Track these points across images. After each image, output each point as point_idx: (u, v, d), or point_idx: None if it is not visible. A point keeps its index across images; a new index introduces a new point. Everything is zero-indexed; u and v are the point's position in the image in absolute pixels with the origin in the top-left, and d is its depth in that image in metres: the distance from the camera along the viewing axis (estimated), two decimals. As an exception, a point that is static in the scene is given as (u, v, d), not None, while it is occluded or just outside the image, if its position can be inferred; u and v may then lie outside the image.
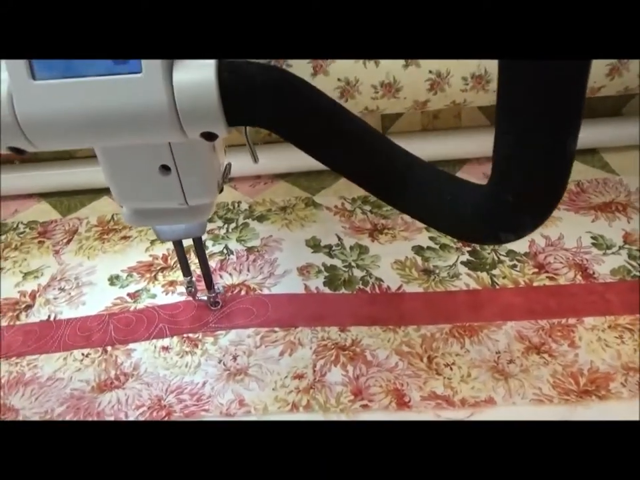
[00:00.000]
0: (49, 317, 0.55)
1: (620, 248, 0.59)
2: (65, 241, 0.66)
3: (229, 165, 0.43)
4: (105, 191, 0.74)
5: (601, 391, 0.44)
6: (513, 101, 0.25)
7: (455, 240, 0.61)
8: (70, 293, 0.58)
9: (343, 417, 0.43)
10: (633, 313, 0.51)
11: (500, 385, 0.45)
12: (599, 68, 0.61)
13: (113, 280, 0.59)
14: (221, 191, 0.41)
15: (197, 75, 0.26)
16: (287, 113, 0.28)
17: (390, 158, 0.31)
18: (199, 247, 0.48)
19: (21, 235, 0.68)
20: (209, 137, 0.29)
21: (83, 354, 0.50)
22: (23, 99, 0.26)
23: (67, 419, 0.44)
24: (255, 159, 0.42)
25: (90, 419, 0.44)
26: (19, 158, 0.74)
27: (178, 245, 0.48)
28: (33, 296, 0.58)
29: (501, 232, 0.27)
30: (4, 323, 0.55)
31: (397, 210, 0.33)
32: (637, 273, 0.55)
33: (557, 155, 0.24)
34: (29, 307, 0.56)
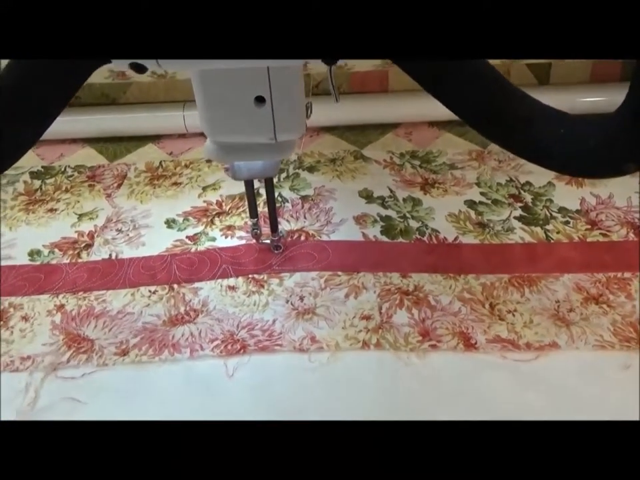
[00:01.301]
0: (110, 255, 0.56)
1: (670, 207, 0.60)
2: (115, 185, 0.66)
3: (310, 103, 0.43)
4: (149, 138, 0.73)
5: (660, 339, 0.46)
6: None
7: (506, 195, 0.62)
8: (128, 234, 0.58)
9: (413, 356, 0.45)
10: (686, 267, 0.52)
11: (562, 331, 0.47)
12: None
13: (170, 223, 0.59)
14: (305, 127, 0.41)
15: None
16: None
17: (502, 89, 0.31)
18: (270, 188, 0.49)
19: (70, 178, 0.68)
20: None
21: (150, 290, 0.51)
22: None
23: (142, 349, 0.45)
24: (337, 98, 0.42)
25: (166, 351, 0.45)
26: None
27: (249, 185, 0.48)
28: (91, 236, 0.58)
29: (625, 162, 0.27)
30: (66, 261, 0.55)
31: (505, 148, 0.33)
32: (689, 232, 0.56)
33: None
34: (88, 245, 0.57)
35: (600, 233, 0.57)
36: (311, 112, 0.43)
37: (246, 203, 0.58)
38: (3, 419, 0.40)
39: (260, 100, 0.37)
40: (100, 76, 0.66)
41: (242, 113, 0.37)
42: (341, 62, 0.67)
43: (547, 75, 0.75)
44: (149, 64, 0.29)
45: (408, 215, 0.60)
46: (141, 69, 0.29)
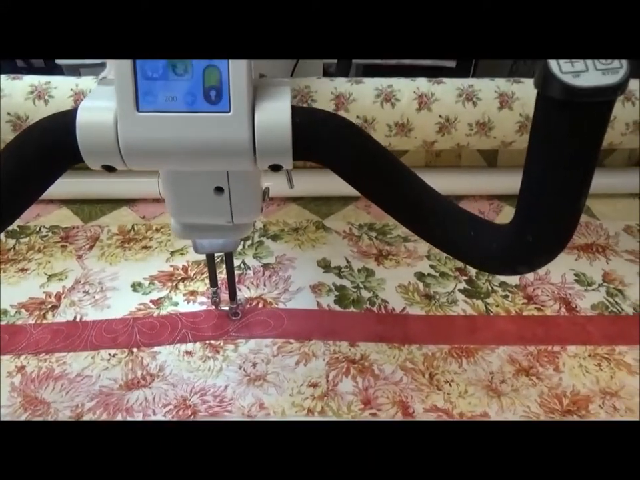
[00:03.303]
0: (75, 317, 0.58)
1: (599, 285, 0.65)
2: (87, 246, 0.69)
3: (267, 188, 0.48)
4: (124, 202, 0.78)
5: (581, 411, 0.50)
6: (537, 164, 0.30)
7: (453, 269, 0.67)
8: (94, 297, 0.61)
9: (354, 423, 0.48)
10: (610, 344, 0.57)
11: (494, 401, 0.51)
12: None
13: (136, 286, 0.63)
14: (261, 211, 0.46)
15: (275, 117, 0.32)
16: (345, 153, 0.34)
17: (422, 195, 0.37)
18: (229, 261, 0.53)
19: (44, 238, 0.71)
20: (275, 168, 0.34)
21: (110, 354, 0.54)
22: (127, 127, 0.31)
23: (97, 413, 0.48)
24: (291, 185, 0.47)
25: (120, 415, 0.47)
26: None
27: (210, 257, 0.52)
28: (59, 297, 0.61)
29: (518, 265, 0.32)
30: (31, 321, 0.58)
31: (425, 240, 0.39)
32: (614, 309, 0.62)
33: (572, 208, 0.30)
34: (54, 307, 0.60)
35: (535, 307, 0.62)
36: (268, 196, 0.48)
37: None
38: None
39: (219, 189, 0.42)
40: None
41: (203, 200, 0.42)
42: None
43: (494, 158, 0.83)
44: (119, 165, 0.33)
45: (361, 285, 0.64)
46: (110, 169, 0.33)
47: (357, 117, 0.67)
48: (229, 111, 0.31)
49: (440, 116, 0.67)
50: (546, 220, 0.30)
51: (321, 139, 0.33)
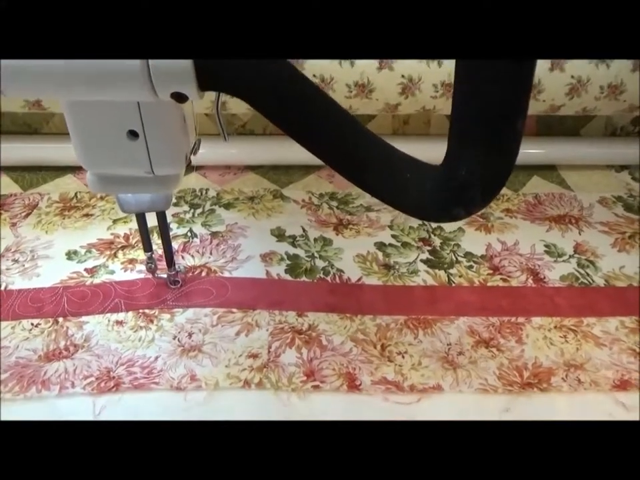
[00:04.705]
0: None
1: (570, 257, 0.62)
2: (23, 214, 0.64)
3: (199, 140, 0.44)
4: (69, 169, 0.72)
5: (542, 384, 0.46)
6: (469, 85, 0.26)
7: (416, 239, 0.63)
8: (24, 265, 0.56)
9: (294, 396, 0.44)
10: (579, 315, 0.54)
11: (448, 374, 0.47)
12: (559, 87, 0.65)
13: (71, 255, 0.58)
14: (189, 165, 0.42)
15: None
16: (257, 80, 0.29)
17: (355, 137, 0.32)
18: (162, 222, 0.48)
19: (-23, 206, 0.66)
20: (179, 97, 0.30)
21: (32, 324, 0.49)
22: None
23: (9, 386, 0.43)
24: (225, 137, 0.43)
25: (34, 388, 0.43)
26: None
27: (141, 218, 0.48)
28: (-15, 265, 0.56)
29: (453, 207, 0.28)
30: (-50, 290, 0.53)
31: (359, 188, 0.34)
32: (585, 280, 0.58)
33: (508, 136, 0.26)
34: (-21, 275, 0.55)
35: (500, 278, 0.58)
36: (198, 147, 0.43)
37: (155, 236, 0.58)
38: None
39: (133, 134, 0.37)
40: (17, 105, 0.66)
41: (116, 146, 0.37)
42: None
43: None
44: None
45: (316, 255, 0.60)
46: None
47: (314, 75, 0.62)
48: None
49: (402, 76, 0.63)
50: (481, 147, 0.26)
51: (229, 61, 0.28)
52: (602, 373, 0.47)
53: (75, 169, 0.73)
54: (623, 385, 0.46)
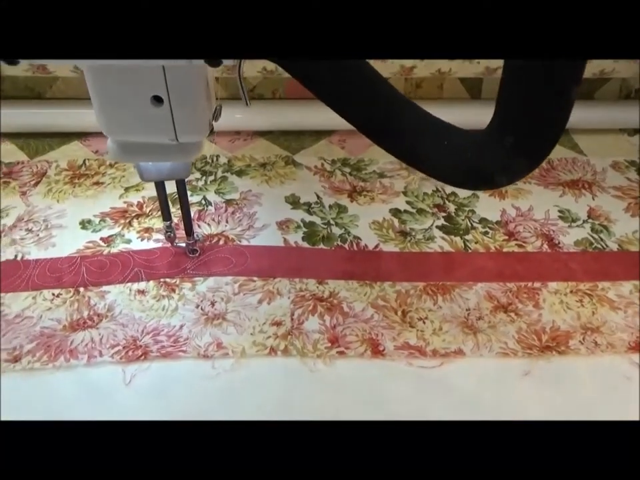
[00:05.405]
0: (16, 256, 0.53)
1: (584, 222, 0.62)
2: (32, 182, 0.63)
3: (220, 106, 0.42)
4: (75, 135, 0.71)
5: (560, 347, 0.47)
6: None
7: (431, 205, 0.63)
8: (38, 234, 0.55)
9: (320, 363, 0.44)
10: (593, 280, 0.54)
11: (469, 338, 0.47)
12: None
13: (85, 224, 0.57)
14: (212, 131, 0.41)
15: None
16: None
17: (389, 102, 0.31)
18: (182, 190, 0.47)
19: (-16, 174, 0.64)
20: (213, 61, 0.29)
21: (53, 294, 0.49)
22: None
23: (37, 355, 0.43)
24: (247, 102, 0.42)
25: (62, 357, 0.43)
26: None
27: (160, 186, 0.47)
28: (-2, 235, 0.55)
29: (496, 174, 0.28)
30: (-33, 261, 0.52)
31: (393, 154, 0.34)
32: (599, 245, 0.59)
33: (559, 100, 0.25)
34: (-7, 245, 0.54)
35: (516, 244, 0.58)
36: (219, 114, 0.42)
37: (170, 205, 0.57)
38: None
39: (157, 99, 0.36)
40: (20, 69, 0.64)
41: (139, 112, 0.36)
42: (274, 67, 0.67)
43: (478, 90, 0.77)
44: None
45: (332, 222, 0.60)
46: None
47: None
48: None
49: (419, 36, 0.61)
50: (531, 115, 0.25)
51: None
52: (617, 335, 0.48)
53: (81, 135, 0.71)
54: (637, 347, 0.47)
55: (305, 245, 0.56)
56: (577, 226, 0.61)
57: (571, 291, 0.53)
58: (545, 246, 0.58)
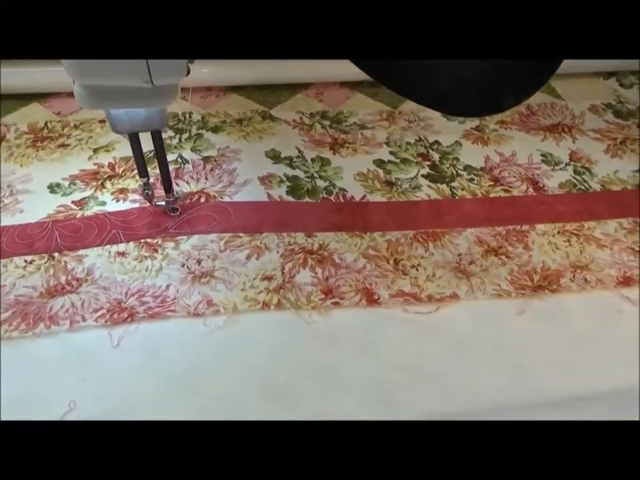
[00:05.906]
0: (-19, 224, 0.49)
1: (567, 164, 0.62)
2: (-10, 148, 0.59)
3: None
4: (34, 96, 0.66)
5: (552, 285, 0.47)
6: None
7: (415, 154, 0.62)
8: (4, 201, 0.52)
9: (315, 314, 0.43)
10: (579, 220, 0.55)
11: (463, 282, 0.47)
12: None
13: (54, 188, 0.54)
14: (188, 72, 0.38)
15: None
16: None
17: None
18: (158, 142, 0.44)
19: None
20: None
21: (25, 260, 0.46)
22: None
23: (14, 324, 0.41)
24: None
25: (42, 324, 0.41)
26: None
27: (134, 139, 0.44)
28: (-42, 204, 0.51)
29: (503, 94, 0.26)
30: None
31: (387, 86, 0.32)
32: (582, 186, 0.59)
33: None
34: (-46, 214, 0.50)
35: (502, 189, 0.58)
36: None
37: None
38: None
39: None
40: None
41: None
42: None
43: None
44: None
45: (316, 175, 0.58)
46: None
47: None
48: None
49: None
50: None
51: None
52: (606, 271, 0.49)
53: (40, 97, 0.66)
54: (626, 282, 0.48)
55: (290, 198, 0.54)
56: (560, 169, 0.61)
57: (559, 232, 0.53)
58: (531, 189, 0.58)
